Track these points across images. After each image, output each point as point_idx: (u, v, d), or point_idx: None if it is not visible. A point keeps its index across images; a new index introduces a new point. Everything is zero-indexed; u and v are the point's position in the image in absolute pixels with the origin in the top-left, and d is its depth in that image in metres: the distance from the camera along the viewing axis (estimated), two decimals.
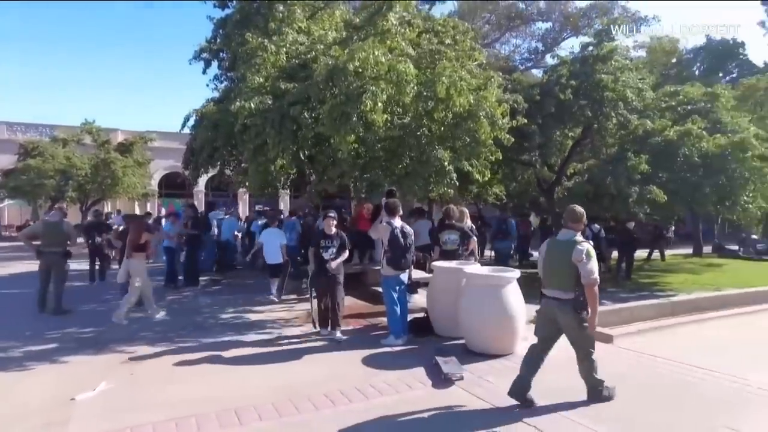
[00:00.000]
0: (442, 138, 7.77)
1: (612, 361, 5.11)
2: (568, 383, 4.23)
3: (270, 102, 7.06)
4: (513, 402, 4.00)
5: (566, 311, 3.89)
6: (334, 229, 6.13)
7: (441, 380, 4.55)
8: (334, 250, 6.03)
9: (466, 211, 9.45)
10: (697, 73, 34.02)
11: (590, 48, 12.67)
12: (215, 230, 12.89)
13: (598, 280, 3.82)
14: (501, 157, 8.20)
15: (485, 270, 5.76)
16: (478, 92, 7.56)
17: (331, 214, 6.22)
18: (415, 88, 7.07)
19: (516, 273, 5.48)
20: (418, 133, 7.59)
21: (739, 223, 24.73)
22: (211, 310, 7.88)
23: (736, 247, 20.44)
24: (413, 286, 6.95)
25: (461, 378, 4.56)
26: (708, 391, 4.30)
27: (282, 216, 12.45)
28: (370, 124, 6.46)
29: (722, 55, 34.39)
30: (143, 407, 3.94)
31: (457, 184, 9.20)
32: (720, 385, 4.40)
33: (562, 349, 4.12)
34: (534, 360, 4.12)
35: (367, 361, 5.18)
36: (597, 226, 12.63)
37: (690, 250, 19.04)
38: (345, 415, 3.82)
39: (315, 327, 6.36)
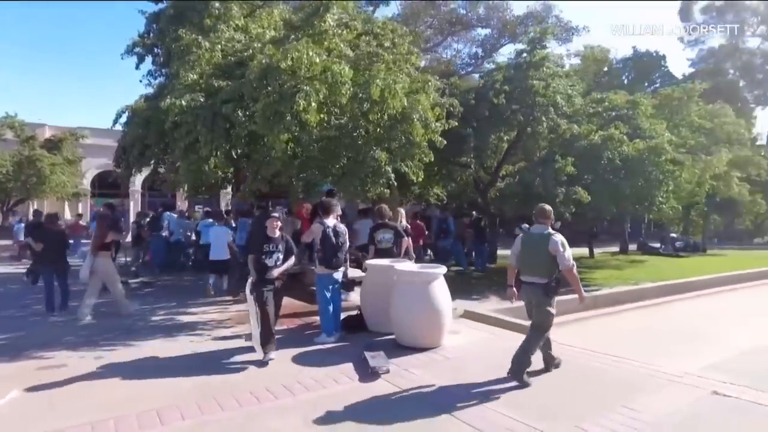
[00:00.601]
0: (378, 139, 7.92)
1: None
2: (485, 372, 4.46)
3: (202, 99, 6.97)
4: (432, 390, 4.21)
5: (538, 293, 4.50)
6: (278, 232, 5.33)
7: (368, 374, 4.67)
8: (280, 255, 5.26)
9: (402, 211, 9.71)
10: (625, 81, 36.27)
11: (524, 55, 13.27)
12: (166, 231, 12.78)
13: (575, 265, 4.47)
14: (433, 159, 8.43)
15: (414, 267, 5.94)
16: (412, 95, 7.76)
17: (276, 215, 5.43)
18: (351, 89, 7.20)
19: (442, 269, 5.71)
20: (355, 133, 7.72)
21: (661, 222, 26.77)
22: (142, 313, 7.64)
23: (658, 245, 21.95)
24: (349, 285, 7.03)
25: (387, 371, 4.70)
26: (614, 376, 4.66)
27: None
28: (304, 124, 6.51)
29: (647, 66, 36.87)
30: (58, 414, 3.82)
31: (396, 184, 9.43)
32: (625, 370, 4.77)
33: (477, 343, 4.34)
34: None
35: (298, 359, 5.22)
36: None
37: (617, 248, 20.26)
38: (269, 412, 3.87)
39: (258, 351, 5.12)
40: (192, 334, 6.32)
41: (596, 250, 18.00)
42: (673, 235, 23.64)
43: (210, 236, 9.32)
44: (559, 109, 12.66)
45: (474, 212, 20.46)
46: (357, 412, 3.87)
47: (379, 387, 4.40)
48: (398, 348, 5.52)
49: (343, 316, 6.48)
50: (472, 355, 5.27)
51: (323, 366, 4.95)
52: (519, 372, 4.39)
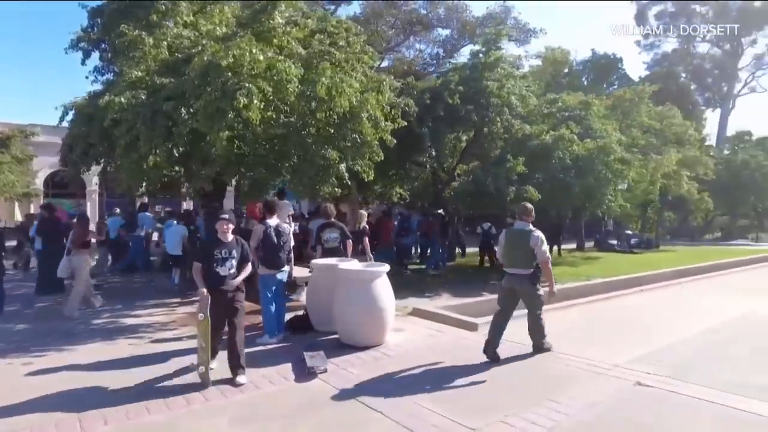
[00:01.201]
0: (328, 138, 7.89)
1: (469, 345, 5.51)
2: (422, 369, 4.51)
3: (144, 97, 6.80)
4: (366, 388, 4.22)
5: (524, 282, 5.08)
6: (231, 236, 4.63)
7: (305, 374, 4.65)
8: (234, 262, 4.54)
9: (363, 213, 9.77)
10: (585, 83, 37.29)
11: (479, 56, 13.45)
12: (142, 231, 12.59)
13: (550, 258, 5.18)
14: (391, 158, 8.48)
15: (357, 266, 5.95)
16: (361, 94, 7.75)
17: (225, 216, 4.74)
18: (299, 87, 7.16)
19: (385, 267, 5.73)
20: (303, 132, 7.66)
21: (619, 220, 27.69)
22: (84, 316, 7.39)
23: (615, 242, 22.63)
24: (292, 285, 6.98)
25: (325, 371, 4.69)
26: (547, 370, 4.77)
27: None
28: (248, 122, 6.43)
29: (605, 69, 37.97)
30: None
31: (350, 183, 9.42)
32: (559, 363, 4.90)
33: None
34: (499, 325, 5.18)
35: None
36: (488, 223, 13.64)
37: (575, 245, 20.78)
38: (196, 414, 3.81)
39: (208, 378, 4.37)
40: (132, 337, 6.15)
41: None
42: (629, 232, 24.44)
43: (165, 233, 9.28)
44: (513, 109, 12.89)
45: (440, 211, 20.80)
46: (286, 411, 3.84)
47: (315, 387, 4.39)
48: (341, 347, 5.51)
49: (290, 315, 6.46)
50: (413, 352, 5.31)
51: (263, 367, 4.89)
52: (540, 347, 5.21)
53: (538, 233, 5.05)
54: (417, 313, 7.11)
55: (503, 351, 5.22)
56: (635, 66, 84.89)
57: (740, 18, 47.70)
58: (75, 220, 8.78)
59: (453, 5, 20.22)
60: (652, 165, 19.21)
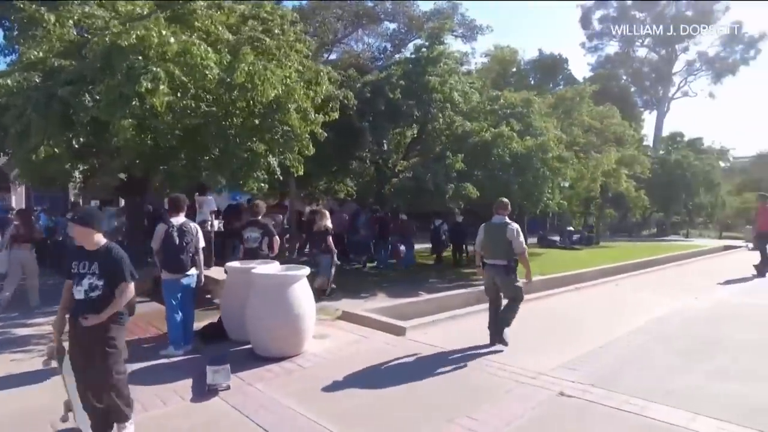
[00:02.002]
0: (253, 129, 7.36)
1: (392, 353, 5.18)
2: (336, 381, 4.13)
3: (38, 80, 6.05)
4: (267, 406, 3.80)
5: (501, 273, 5.35)
6: (94, 243, 3.15)
7: (205, 392, 4.17)
8: (97, 282, 3.08)
9: (326, 213, 9.34)
10: (532, 82, 38.06)
11: (423, 50, 13.21)
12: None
13: (527, 249, 5.53)
14: (317, 152, 8.04)
15: (272, 269, 5.48)
16: (289, 84, 7.26)
17: (76, 216, 3.40)
18: (219, 74, 6.61)
19: (304, 270, 5.31)
20: (225, 122, 7.10)
21: (565, 217, 28.43)
22: None
23: (557, 238, 23.09)
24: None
25: (227, 388, 4.22)
26: (468, 379, 4.50)
27: None
28: (157, 110, 5.81)
29: (551, 69, 38.90)
30: None
31: (282, 178, 8.90)
32: (485, 372, 4.63)
33: None
34: (495, 313, 5.54)
35: (134, 378, 4.58)
36: (440, 220, 13.49)
37: None
38: None
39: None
40: (19, 351, 5.44)
41: None
42: (570, 228, 25.05)
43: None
44: (456, 105, 12.74)
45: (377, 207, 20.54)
46: None
47: (213, 407, 3.92)
48: (254, 359, 5.04)
49: (205, 323, 5.94)
50: (331, 363, 4.92)
51: (158, 384, 4.36)
52: (500, 334, 5.34)
53: (515, 226, 5.37)
54: (346, 317, 6.72)
55: (428, 358, 4.93)
56: (581, 67, 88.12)
57: (674, 25, 50.18)
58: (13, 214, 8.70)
59: None
60: (592, 163, 19.68)
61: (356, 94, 11.32)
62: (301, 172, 7.91)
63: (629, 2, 51.56)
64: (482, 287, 9.81)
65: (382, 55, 21.74)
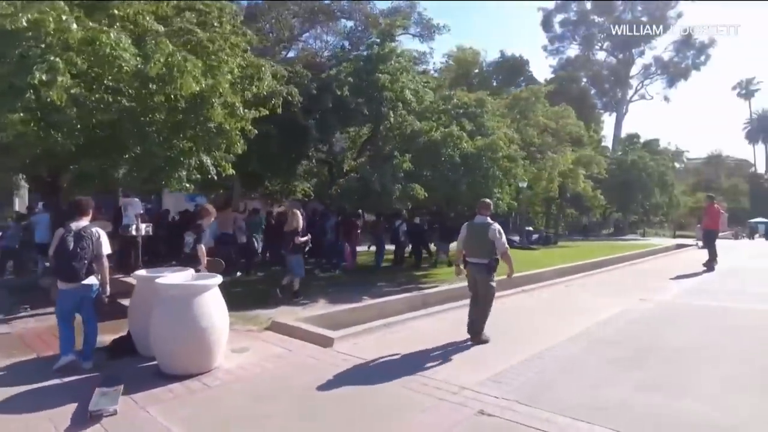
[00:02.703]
0: (176, 126, 6.84)
1: (314, 368, 4.79)
2: (242, 403, 3.69)
3: None
4: None
5: (482, 272, 5.56)
6: None
7: (87, 419, 3.67)
8: None
9: (298, 213, 8.90)
10: (495, 83, 38.36)
11: (374, 47, 12.87)
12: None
13: (509, 248, 5.72)
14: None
15: (180, 278, 5.01)
16: (214, 77, 6.78)
17: None
18: (135, 66, 6.09)
19: (215, 279, 4.85)
20: (143, 118, 6.56)
21: (528, 216, 28.66)
22: None
23: (516, 238, 23.17)
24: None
25: (114, 413, 3.73)
26: (384, 398, 4.11)
27: None
28: (55, 103, 5.25)
29: (513, 70, 39.29)
30: None
31: (215, 178, 8.39)
32: (404, 388, 4.28)
33: None
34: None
35: (13, 403, 4.04)
36: (400, 220, 13.19)
37: None
38: None
39: None
40: None
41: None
42: (529, 228, 25.24)
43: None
44: (408, 104, 12.44)
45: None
46: None
47: None
48: (158, 377, 4.55)
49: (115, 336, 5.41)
50: (242, 381, 4.49)
51: (36, 411, 3.82)
52: (477, 334, 5.58)
53: (496, 226, 5.58)
54: (275, 327, 6.28)
55: (347, 374, 4.56)
56: (544, 69, 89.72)
57: (630, 31, 51.59)
58: None
59: None
60: (549, 164, 19.81)
61: (302, 90, 10.89)
62: (229, 171, 7.41)
63: (588, 5, 52.70)
64: (431, 290, 9.75)
65: (342, 53, 21.32)
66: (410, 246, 13.66)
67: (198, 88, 6.41)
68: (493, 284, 5.61)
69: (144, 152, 6.56)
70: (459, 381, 4.31)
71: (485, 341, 5.55)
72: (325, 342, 5.50)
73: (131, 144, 6.55)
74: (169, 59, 6.13)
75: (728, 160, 60.65)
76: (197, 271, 5.65)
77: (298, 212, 8.97)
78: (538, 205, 26.67)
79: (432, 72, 22.35)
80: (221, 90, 6.64)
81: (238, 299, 8.09)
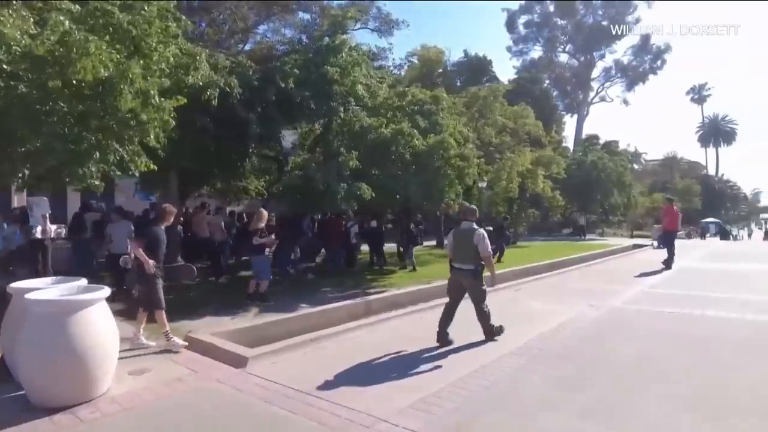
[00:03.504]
0: (81, 115, 6.05)
1: (210, 396, 4.16)
2: None
3: None
4: None
5: (468, 277, 5.65)
6: None
7: None
8: None
9: (263, 212, 8.41)
10: (458, 83, 38.20)
11: (325, 39, 12.23)
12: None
13: (492, 252, 5.86)
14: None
15: (59, 291, 4.29)
16: (124, 62, 6.02)
17: None
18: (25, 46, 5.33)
19: (99, 293, 4.16)
20: (38, 106, 5.74)
21: (493, 216, 28.39)
22: None
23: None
24: None
25: None
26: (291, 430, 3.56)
27: None
28: None
29: (476, 70, 39.24)
30: None
31: (136, 174, 7.61)
32: (312, 421, 3.69)
33: None
34: (449, 313, 5.79)
35: None
36: (351, 222, 12.65)
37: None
38: None
39: None
40: None
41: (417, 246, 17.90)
42: (490, 228, 24.99)
43: None
44: (360, 100, 11.86)
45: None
46: None
47: None
48: (26, 410, 3.83)
49: None
50: (127, 412, 3.82)
51: None
52: (491, 332, 5.78)
53: (481, 231, 5.66)
54: (189, 342, 5.59)
55: (250, 403, 3.96)
56: (507, 70, 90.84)
57: (592, 34, 52.67)
58: None
59: None
60: (508, 163, 19.61)
61: (243, 82, 10.16)
62: (142, 168, 6.65)
63: (551, 7, 53.38)
64: (376, 296, 9.21)
65: (299, 47, 20.60)
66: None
67: (106, 73, 5.67)
68: (484, 287, 5.72)
69: (42, 146, 5.75)
70: (379, 409, 3.77)
71: (499, 331, 5.83)
72: (238, 362, 4.88)
73: (25, 136, 5.73)
74: (67, 38, 5.37)
75: (682, 162, 62.65)
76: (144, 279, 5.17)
77: (263, 211, 8.47)
78: (501, 206, 26.57)
79: (391, 68, 21.81)
80: (131, 76, 5.89)
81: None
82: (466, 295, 5.85)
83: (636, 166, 50.59)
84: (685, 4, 51.89)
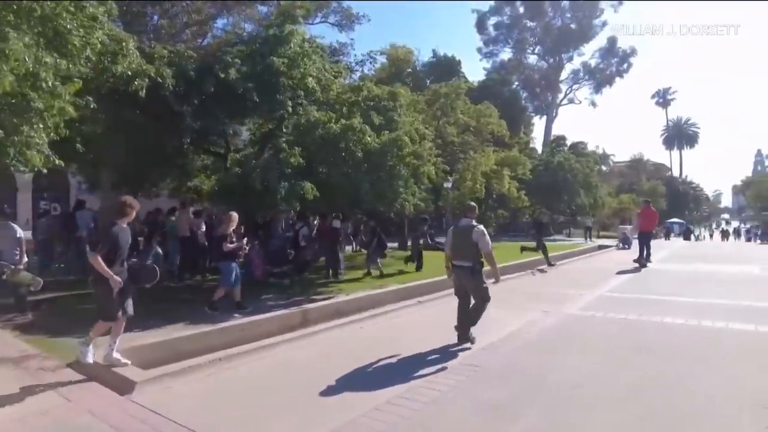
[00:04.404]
0: None
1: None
2: None
3: None
4: None
5: (468, 275, 5.52)
6: None
7: None
8: None
9: (233, 215, 7.74)
10: (428, 83, 37.79)
11: (274, 29, 11.51)
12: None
13: (492, 248, 5.56)
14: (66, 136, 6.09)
15: None
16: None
17: None
18: None
19: None
20: None
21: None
22: None
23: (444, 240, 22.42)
24: None
25: None
26: None
27: None
28: None
29: (445, 70, 38.89)
30: None
31: (45, 171, 6.77)
32: None
33: None
34: (463, 312, 5.67)
35: None
36: (301, 223, 11.93)
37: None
38: None
39: None
40: None
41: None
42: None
43: None
44: (311, 93, 11.18)
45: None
46: None
47: None
48: None
49: None
50: None
51: None
52: (465, 333, 5.59)
53: (480, 227, 5.57)
54: (77, 364, 4.81)
55: None
56: (477, 72, 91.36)
57: (560, 36, 53.17)
58: None
59: None
60: (472, 164, 19.19)
61: (178, 72, 9.39)
62: (37, 163, 5.82)
63: (521, 8, 53.67)
64: (316, 305, 8.55)
65: (246, 37, 19.76)
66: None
67: None
68: (485, 285, 5.57)
69: None
70: None
71: (472, 341, 5.59)
72: (124, 387, 4.15)
73: None
74: None
75: (649, 164, 63.89)
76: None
77: (232, 215, 7.77)
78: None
79: (353, 64, 21.06)
80: (8, 51, 5.06)
81: (67, 319, 6.62)
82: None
83: (604, 168, 51.26)
84: (652, 4, 52.55)
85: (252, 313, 7.36)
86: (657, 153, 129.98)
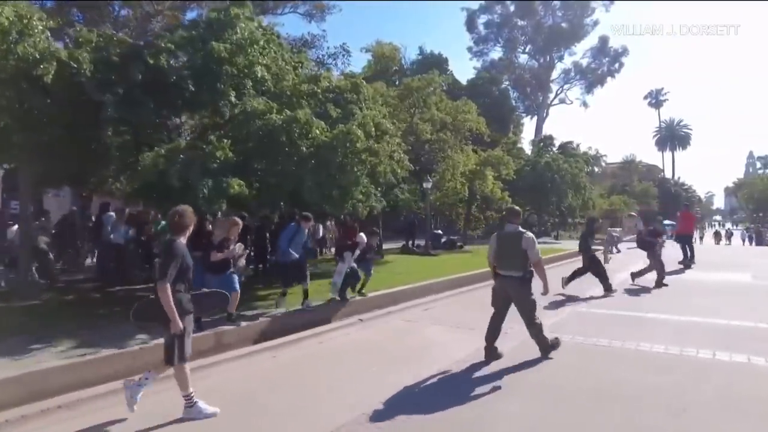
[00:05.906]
0: None
1: None
2: None
3: None
4: None
5: (515, 286, 5.24)
6: None
7: None
8: None
9: (237, 220, 7.15)
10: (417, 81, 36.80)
11: (219, 13, 10.42)
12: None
13: (542, 258, 5.35)
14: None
15: None
16: None
17: None
18: None
19: None
20: None
21: (452, 219, 26.95)
22: None
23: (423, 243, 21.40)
24: None
25: None
26: None
27: None
28: None
29: (432, 68, 37.87)
30: None
31: None
32: None
33: None
34: (495, 327, 5.38)
35: None
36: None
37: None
38: None
39: None
40: None
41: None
42: (439, 232, 23.78)
43: None
44: (261, 83, 10.10)
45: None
46: None
47: None
48: None
49: None
50: None
51: None
52: (546, 348, 5.34)
53: (530, 235, 5.24)
54: None
55: None
56: (467, 71, 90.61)
57: (551, 35, 52.37)
58: None
59: None
60: (450, 163, 18.16)
61: (99, 57, 8.33)
62: None
63: (511, 7, 52.85)
64: (236, 326, 7.40)
65: (187, 23, 18.78)
66: None
67: None
68: (533, 297, 5.26)
69: None
70: None
71: (554, 345, 5.42)
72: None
73: None
74: None
75: (641, 165, 63.16)
76: None
77: (236, 220, 7.07)
78: (461, 207, 25.22)
79: (325, 57, 20.08)
80: None
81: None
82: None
83: (596, 169, 50.33)
84: (652, 4, 51.93)
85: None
86: (649, 154, 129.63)
